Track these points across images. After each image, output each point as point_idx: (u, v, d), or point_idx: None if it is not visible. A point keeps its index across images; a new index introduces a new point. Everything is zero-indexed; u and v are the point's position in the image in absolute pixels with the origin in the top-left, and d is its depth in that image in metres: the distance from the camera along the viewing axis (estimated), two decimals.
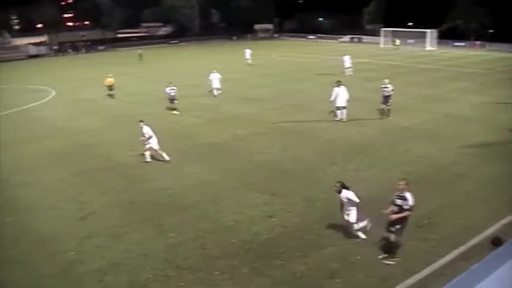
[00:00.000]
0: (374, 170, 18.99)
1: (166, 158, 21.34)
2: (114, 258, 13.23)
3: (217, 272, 12.19)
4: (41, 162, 22.37)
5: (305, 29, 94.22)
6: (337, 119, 26.64)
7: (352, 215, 12.96)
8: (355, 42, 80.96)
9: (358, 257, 12.50)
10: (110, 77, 38.26)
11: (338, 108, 26.60)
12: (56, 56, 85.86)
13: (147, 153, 21.29)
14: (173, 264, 12.71)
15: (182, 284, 11.82)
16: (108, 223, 15.44)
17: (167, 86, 30.75)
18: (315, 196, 16.56)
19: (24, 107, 37.03)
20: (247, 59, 55.89)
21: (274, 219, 14.90)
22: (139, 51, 68.39)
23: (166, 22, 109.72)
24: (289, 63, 55.47)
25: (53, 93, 43.02)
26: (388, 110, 27.28)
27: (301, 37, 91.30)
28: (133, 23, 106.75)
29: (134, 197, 17.55)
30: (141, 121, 21.51)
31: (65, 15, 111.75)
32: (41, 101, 39.31)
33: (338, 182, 13.10)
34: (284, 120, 27.76)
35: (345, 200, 12.89)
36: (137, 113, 28.74)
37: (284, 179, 18.27)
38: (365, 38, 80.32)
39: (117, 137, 24.48)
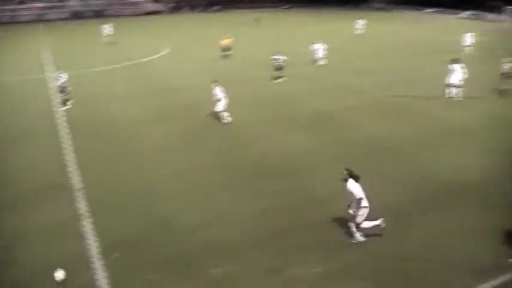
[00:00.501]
0: (473, 157, 17.74)
1: (228, 120, 21.93)
2: (208, 214, 13.84)
3: (307, 241, 12.34)
4: (149, 116, 23.64)
5: (422, 1, 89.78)
6: (448, 96, 25.37)
7: (352, 208, 12.06)
8: (475, 18, 75.84)
9: (449, 243, 12.07)
10: (226, 38, 38.71)
11: (450, 85, 25.35)
12: (171, 13, 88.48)
13: (225, 114, 21.96)
14: (265, 228, 13.03)
15: (272, 247, 12.11)
16: (207, 180, 16.10)
17: (274, 54, 30.78)
18: (407, 177, 16.11)
19: (139, 61, 38.94)
20: (358, 29, 54.53)
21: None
22: (256, 15, 68.84)
23: None
24: (402, 36, 53.13)
25: (167, 50, 44.73)
26: (505, 91, 25.64)
27: (417, 10, 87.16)
28: None
29: (234, 158, 18.11)
30: (214, 81, 22.22)
31: None
32: (155, 57, 41.11)
33: (346, 169, 12.13)
34: (391, 94, 26.89)
35: (348, 191, 11.94)
36: (246, 77, 29.28)
37: (382, 155, 17.88)
38: (486, 15, 75.00)
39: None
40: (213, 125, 21.98)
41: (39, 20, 76.83)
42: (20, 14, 78.05)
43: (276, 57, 30.52)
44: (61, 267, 9.17)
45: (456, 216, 13.36)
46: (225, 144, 19.64)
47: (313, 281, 10.76)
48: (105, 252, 11.97)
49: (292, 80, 30.41)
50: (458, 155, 17.98)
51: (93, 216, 13.77)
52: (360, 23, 54.85)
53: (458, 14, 79.54)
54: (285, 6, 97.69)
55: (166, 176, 16.58)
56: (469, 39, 40.56)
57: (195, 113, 23.91)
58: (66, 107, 25.00)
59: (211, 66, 36.13)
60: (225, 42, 38.55)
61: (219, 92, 21.82)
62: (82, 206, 14.42)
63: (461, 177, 15.90)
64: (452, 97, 25.15)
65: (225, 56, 38.27)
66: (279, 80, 30.16)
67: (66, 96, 25.41)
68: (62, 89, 25.38)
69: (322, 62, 35.70)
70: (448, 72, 25.09)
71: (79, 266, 11.34)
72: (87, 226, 13.27)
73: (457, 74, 24.92)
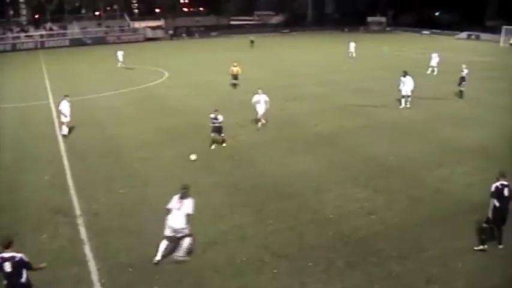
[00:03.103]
0: (485, 175, 16.90)
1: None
2: (214, 237, 13.74)
3: (311, 263, 12.23)
4: (157, 139, 23.74)
5: (420, 23, 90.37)
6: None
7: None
8: (473, 39, 76.29)
9: (460, 264, 12.00)
10: (234, 66, 36.49)
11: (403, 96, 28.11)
12: (171, 39, 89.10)
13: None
14: (269, 250, 12.93)
15: (275, 271, 11.98)
16: (211, 203, 15.95)
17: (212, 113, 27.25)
18: (418, 196, 16.07)
19: (143, 86, 39.36)
20: (351, 52, 54.26)
21: (374, 216, 14.68)
22: (251, 37, 69.61)
23: (279, 11, 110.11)
24: (400, 58, 52.91)
25: (167, 74, 45.16)
26: None
27: (415, 32, 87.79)
28: (247, 11, 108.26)
29: (238, 180, 18.08)
30: (65, 96, 24.34)
31: (182, 1, 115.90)
32: (157, 82, 41.55)
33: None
34: (393, 114, 26.96)
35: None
36: (247, 99, 29.09)
37: (388, 176, 17.89)
38: (483, 36, 75.44)
39: (226, 120, 24.87)
40: (217, 147, 21.98)
41: (40, 47, 77.30)
42: (21, 42, 78.53)
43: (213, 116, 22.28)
44: None
45: None
46: (230, 165, 19.70)
47: None
48: (105, 275, 11.90)
49: (296, 102, 30.30)
50: (467, 175, 17.95)
51: (93, 240, 13.69)
52: (352, 46, 54.16)
53: (456, 35, 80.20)
54: (284, 31, 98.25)
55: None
56: (436, 59, 41.04)
57: (199, 134, 23.80)
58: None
59: (211, 89, 36.53)
60: (233, 70, 36.43)
61: (65, 107, 24.14)
62: (82, 230, 14.30)
63: (467, 199, 15.78)
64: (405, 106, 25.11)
65: (234, 85, 36.40)
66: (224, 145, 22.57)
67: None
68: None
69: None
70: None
71: None
72: (87, 250, 13.20)
73: (408, 85, 27.94)
